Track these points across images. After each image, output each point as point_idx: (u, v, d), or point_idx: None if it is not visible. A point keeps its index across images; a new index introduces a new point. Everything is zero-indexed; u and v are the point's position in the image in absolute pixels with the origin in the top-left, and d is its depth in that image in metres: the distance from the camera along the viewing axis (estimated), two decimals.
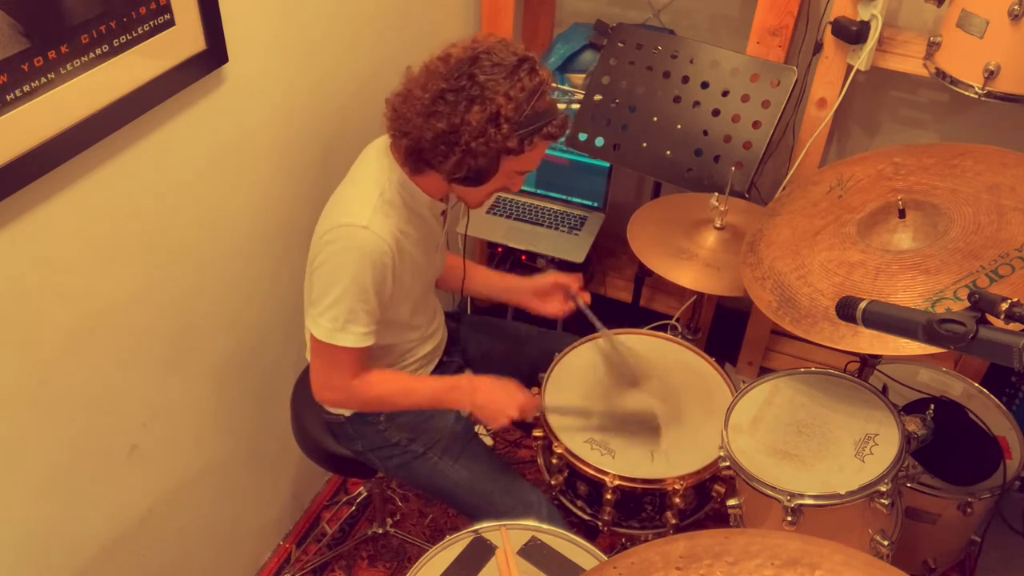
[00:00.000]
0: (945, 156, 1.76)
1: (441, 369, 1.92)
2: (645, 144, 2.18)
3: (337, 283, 1.56)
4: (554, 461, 1.78)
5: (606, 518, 1.77)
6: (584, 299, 1.92)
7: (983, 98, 1.82)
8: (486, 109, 1.48)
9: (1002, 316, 1.04)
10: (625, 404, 1.85)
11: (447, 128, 1.49)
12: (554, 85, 2.45)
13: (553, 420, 1.80)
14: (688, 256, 1.97)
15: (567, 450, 1.75)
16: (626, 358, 1.90)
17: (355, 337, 1.59)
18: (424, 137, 1.51)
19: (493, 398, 1.71)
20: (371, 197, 1.58)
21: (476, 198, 1.69)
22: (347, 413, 1.81)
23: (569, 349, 1.95)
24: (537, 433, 1.84)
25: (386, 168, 1.61)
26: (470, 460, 1.79)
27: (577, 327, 2.00)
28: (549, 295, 1.96)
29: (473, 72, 1.48)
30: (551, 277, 1.94)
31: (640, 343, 1.98)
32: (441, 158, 1.52)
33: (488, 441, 2.53)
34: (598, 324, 1.91)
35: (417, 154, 1.55)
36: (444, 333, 1.94)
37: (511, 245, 2.46)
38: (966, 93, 1.85)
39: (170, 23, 1.44)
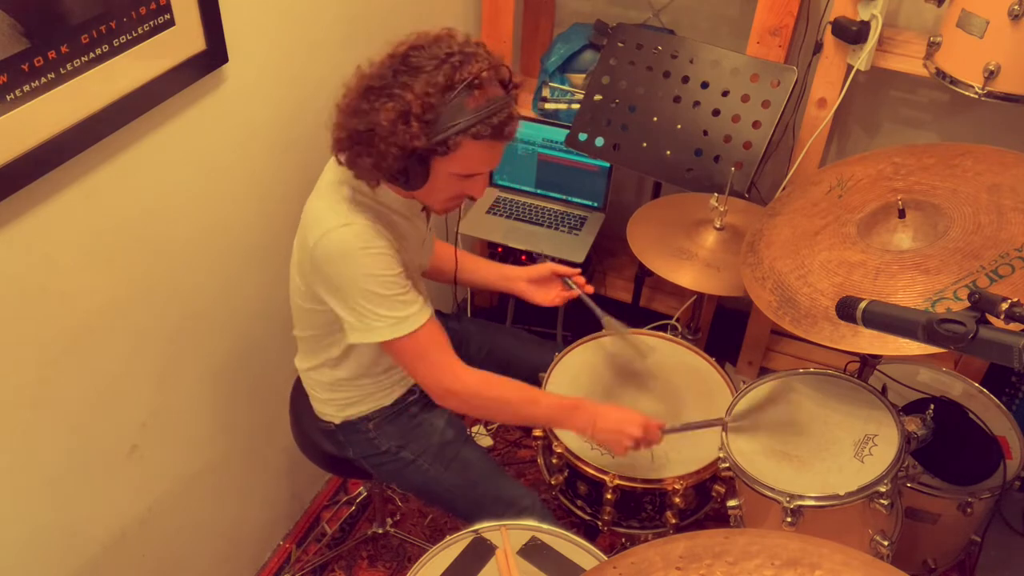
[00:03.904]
0: (945, 156, 1.76)
1: None
2: (645, 144, 2.17)
3: (355, 287, 1.49)
4: (554, 461, 1.78)
5: (606, 518, 1.77)
6: (585, 288, 1.87)
7: (983, 98, 1.82)
8: (396, 107, 1.39)
9: (1002, 316, 1.04)
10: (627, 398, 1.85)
11: (363, 128, 1.42)
12: (549, 84, 2.47)
13: None
14: (688, 256, 1.97)
15: (567, 450, 1.75)
16: (631, 341, 1.87)
17: (416, 315, 1.51)
18: (342, 137, 1.46)
19: (614, 426, 1.61)
20: (340, 203, 1.52)
21: (432, 203, 1.59)
22: (337, 420, 1.78)
23: (569, 349, 1.95)
24: (537, 433, 1.84)
25: (344, 172, 1.54)
26: (461, 466, 1.76)
27: (576, 329, 2.00)
28: (546, 284, 1.92)
29: (399, 69, 1.41)
30: (549, 266, 1.91)
31: (640, 343, 1.98)
32: (356, 158, 1.46)
33: (488, 441, 2.52)
34: (598, 311, 1.89)
35: (343, 153, 1.50)
36: None
37: (511, 245, 2.46)
38: (966, 93, 1.85)
39: (170, 23, 1.44)
